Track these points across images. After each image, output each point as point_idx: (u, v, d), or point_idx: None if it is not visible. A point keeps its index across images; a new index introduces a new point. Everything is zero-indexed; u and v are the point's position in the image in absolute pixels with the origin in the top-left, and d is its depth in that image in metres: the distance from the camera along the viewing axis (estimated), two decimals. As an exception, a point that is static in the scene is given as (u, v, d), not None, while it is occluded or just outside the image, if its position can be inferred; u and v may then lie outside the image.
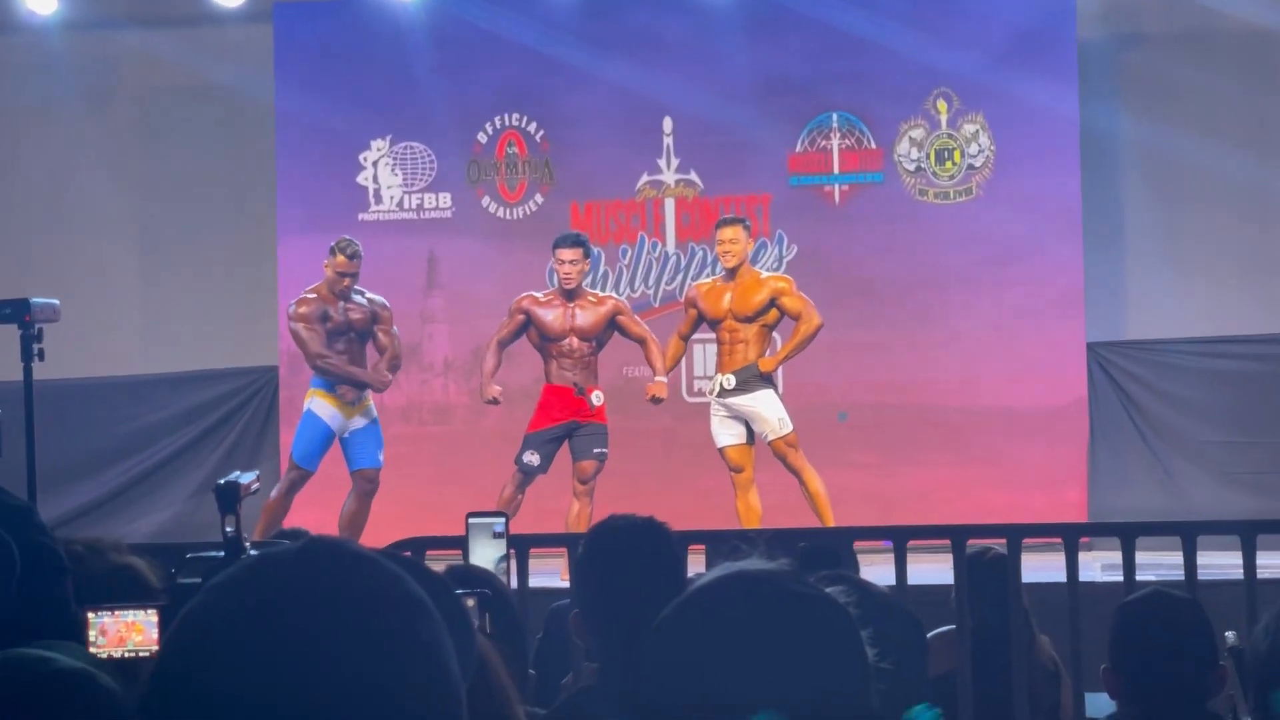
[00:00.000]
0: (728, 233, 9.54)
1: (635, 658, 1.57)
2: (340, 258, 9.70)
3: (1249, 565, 5.29)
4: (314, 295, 9.80)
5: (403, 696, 1.16)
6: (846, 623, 1.55)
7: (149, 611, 2.54)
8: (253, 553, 2.17)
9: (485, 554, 4.35)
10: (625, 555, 3.46)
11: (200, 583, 2.21)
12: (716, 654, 1.48)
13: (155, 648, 2.45)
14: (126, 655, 2.59)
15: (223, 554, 2.43)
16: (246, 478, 2.77)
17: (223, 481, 2.58)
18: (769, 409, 9.51)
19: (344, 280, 9.70)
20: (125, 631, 2.52)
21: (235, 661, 1.14)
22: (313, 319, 9.74)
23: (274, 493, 9.76)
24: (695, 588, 1.57)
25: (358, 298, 9.86)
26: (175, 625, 1.19)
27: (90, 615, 2.57)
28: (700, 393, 11.09)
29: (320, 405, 9.78)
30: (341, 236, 9.95)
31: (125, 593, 2.83)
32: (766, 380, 9.58)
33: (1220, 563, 6.36)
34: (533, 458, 9.58)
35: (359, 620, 1.17)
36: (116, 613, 2.57)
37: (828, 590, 1.61)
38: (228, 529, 2.52)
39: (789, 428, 9.49)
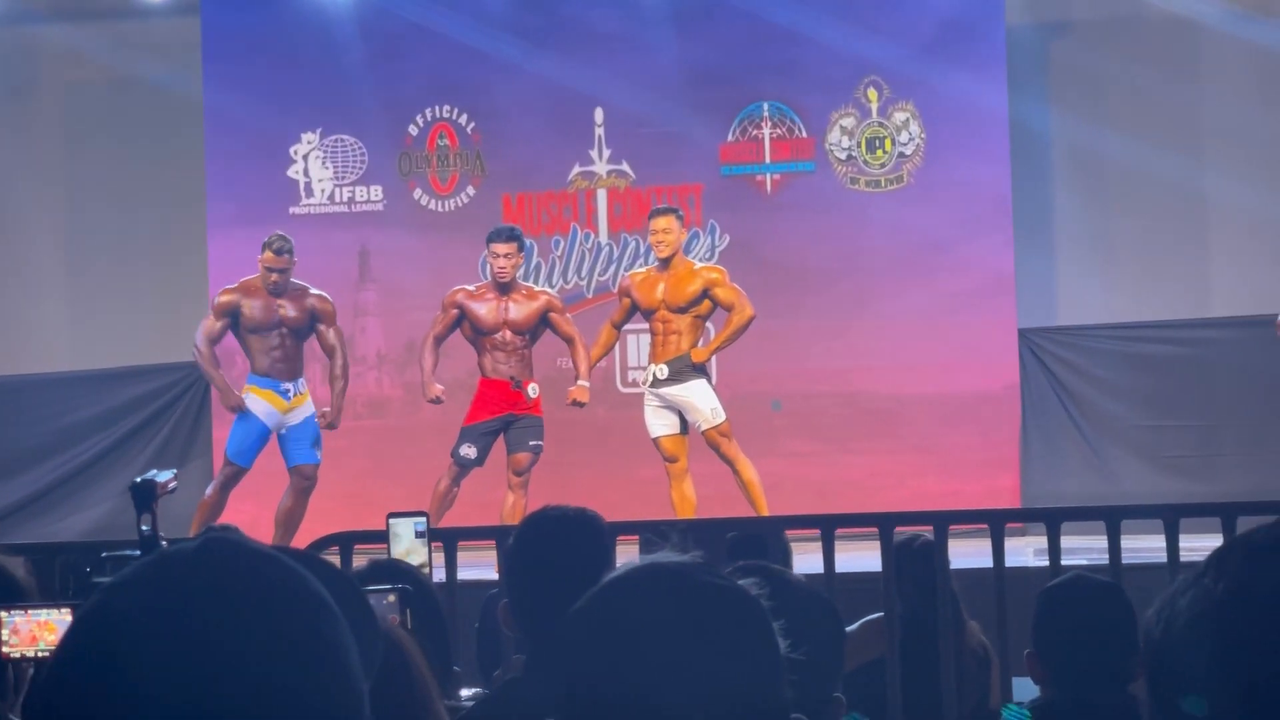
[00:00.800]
0: (661, 222, 9.53)
1: (550, 648, 1.58)
2: (267, 253, 9.65)
3: (1172, 548, 5.33)
4: (235, 287, 9.75)
5: (301, 693, 1.16)
6: (757, 614, 1.55)
7: (63, 611, 2.52)
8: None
9: (407, 552, 4.34)
10: (555, 546, 3.45)
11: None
12: (626, 645, 1.49)
13: None
14: (39, 654, 2.58)
15: (139, 552, 2.41)
16: (163, 476, 2.75)
17: (139, 479, 2.57)
18: (702, 399, 9.52)
19: (271, 276, 9.64)
20: (38, 631, 2.51)
21: (132, 660, 1.13)
22: (221, 310, 9.70)
23: (209, 490, 9.70)
24: (607, 580, 1.58)
25: (297, 294, 9.76)
26: (72, 624, 1.18)
27: (2, 615, 2.55)
28: (634, 383, 11.10)
29: (254, 401, 9.72)
30: (275, 232, 9.90)
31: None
32: (699, 370, 9.59)
33: (1148, 546, 6.41)
34: (469, 450, 9.56)
35: (256, 617, 1.16)
36: (29, 612, 2.55)
37: (742, 582, 1.62)
38: (144, 527, 2.50)
39: (722, 417, 9.50)
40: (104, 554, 2.56)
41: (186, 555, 1.19)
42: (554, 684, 1.52)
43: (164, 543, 2.35)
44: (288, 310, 9.72)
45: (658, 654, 1.47)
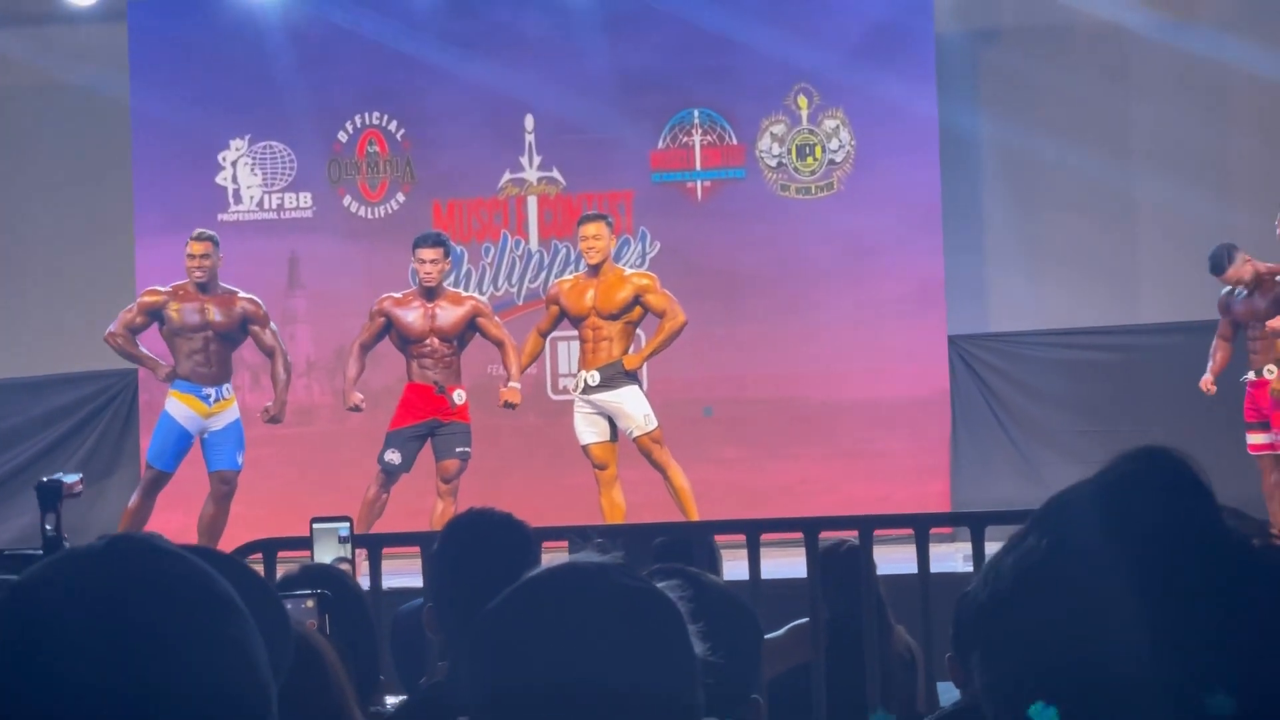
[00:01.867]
0: (591, 229, 9.52)
1: (465, 647, 1.57)
2: (189, 243, 9.63)
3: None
4: (164, 290, 9.71)
5: (206, 690, 1.16)
6: (672, 615, 1.55)
7: None
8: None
9: (330, 558, 4.32)
10: (480, 550, 3.44)
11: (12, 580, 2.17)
12: (539, 644, 1.48)
13: None
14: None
15: (40, 552, 2.38)
16: (70, 478, 2.73)
17: (44, 480, 2.54)
18: (634, 405, 9.52)
19: (193, 263, 9.58)
20: None
21: (37, 657, 1.14)
22: (144, 308, 9.68)
23: (133, 497, 9.64)
24: (523, 580, 1.57)
25: (227, 298, 9.71)
26: None
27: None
28: (565, 390, 11.09)
29: (175, 405, 9.67)
30: None
31: None
32: (631, 377, 9.58)
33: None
34: (394, 456, 9.52)
35: (163, 616, 1.16)
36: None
37: (661, 584, 1.61)
38: (47, 527, 2.47)
39: (654, 424, 9.50)
40: (4, 551, 2.53)
41: (93, 554, 1.19)
42: (468, 682, 1.52)
43: (67, 544, 2.32)
44: (214, 314, 9.66)
45: (570, 653, 1.47)
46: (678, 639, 1.54)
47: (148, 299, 9.69)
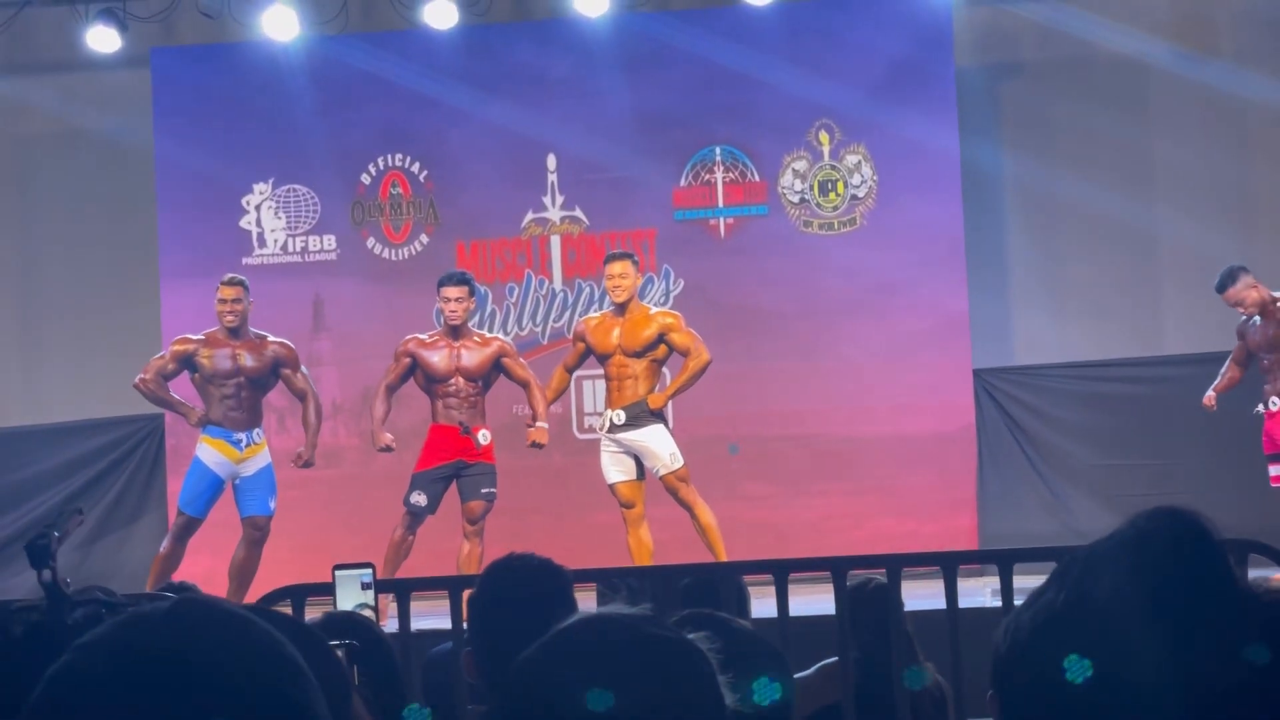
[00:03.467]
0: (617, 267, 9.53)
1: (497, 699, 1.58)
2: (221, 286, 9.65)
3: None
4: (196, 338, 9.71)
5: None
6: (703, 667, 1.55)
7: None
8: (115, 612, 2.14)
9: (352, 605, 4.32)
10: (520, 595, 3.46)
11: (20, 634, 2.17)
12: (569, 696, 1.48)
13: None
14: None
15: (45, 602, 2.38)
16: (59, 529, 2.72)
17: (34, 539, 2.53)
18: (660, 444, 9.51)
19: (225, 308, 9.60)
20: None
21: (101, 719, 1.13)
22: (176, 356, 9.67)
23: (165, 544, 9.64)
24: (553, 631, 1.57)
25: (258, 343, 9.74)
26: (42, 685, 1.17)
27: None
28: (590, 429, 11.09)
29: (206, 451, 9.68)
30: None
31: None
32: (657, 415, 9.57)
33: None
34: (420, 498, 9.52)
35: (227, 683, 1.16)
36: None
37: (691, 635, 1.62)
38: (45, 580, 2.46)
39: (680, 462, 9.48)
40: (15, 606, 2.52)
41: (157, 617, 1.18)
42: None
43: (67, 587, 2.32)
44: (246, 359, 9.68)
45: (599, 703, 1.46)
46: (708, 691, 1.54)
47: (179, 347, 9.70)
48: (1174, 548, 1.27)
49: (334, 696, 1.25)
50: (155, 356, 9.79)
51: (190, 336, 9.74)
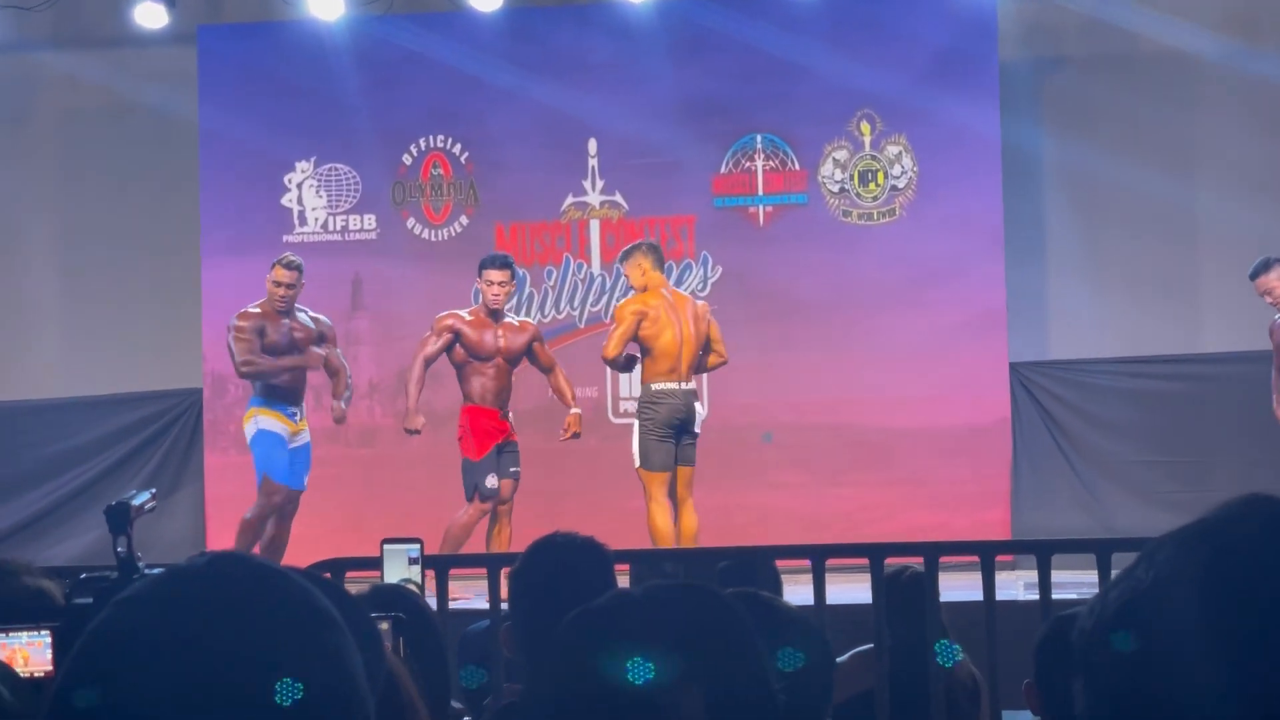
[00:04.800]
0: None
1: (541, 662, 1.60)
2: (277, 268, 9.67)
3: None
4: (256, 310, 9.69)
5: (310, 703, 1.17)
6: (746, 631, 1.57)
7: (42, 632, 2.51)
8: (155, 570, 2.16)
9: (398, 579, 4.34)
10: (562, 572, 3.49)
11: (93, 603, 2.19)
12: (617, 658, 1.50)
13: (49, 669, 2.42)
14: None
15: (115, 574, 2.41)
16: (140, 498, 2.75)
17: (114, 502, 2.56)
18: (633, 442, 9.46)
19: (280, 290, 9.63)
20: (12, 656, 2.49)
21: (143, 673, 1.15)
22: (247, 331, 9.63)
23: (270, 527, 9.59)
24: (602, 598, 1.59)
25: (302, 316, 9.80)
26: (83, 639, 1.19)
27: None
28: (625, 413, 11.10)
29: (268, 421, 9.66)
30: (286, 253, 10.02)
31: (37, 616, 2.80)
32: (640, 409, 9.49)
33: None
34: (494, 481, 9.53)
35: (266, 631, 1.18)
36: (10, 634, 2.53)
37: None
38: (119, 549, 2.49)
39: (638, 464, 9.40)
40: (83, 575, 2.55)
41: (195, 570, 1.20)
42: (543, 701, 1.53)
43: (141, 564, 2.34)
44: (298, 332, 9.73)
45: (650, 668, 1.48)
46: (751, 655, 1.55)
47: (244, 322, 9.63)
48: (1265, 533, 1.29)
49: (367, 654, 1.27)
50: (234, 338, 9.61)
51: (251, 310, 9.71)
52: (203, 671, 1.15)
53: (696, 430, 9.37)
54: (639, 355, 9.43)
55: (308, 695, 1.17)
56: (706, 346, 9.49)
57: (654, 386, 9.33)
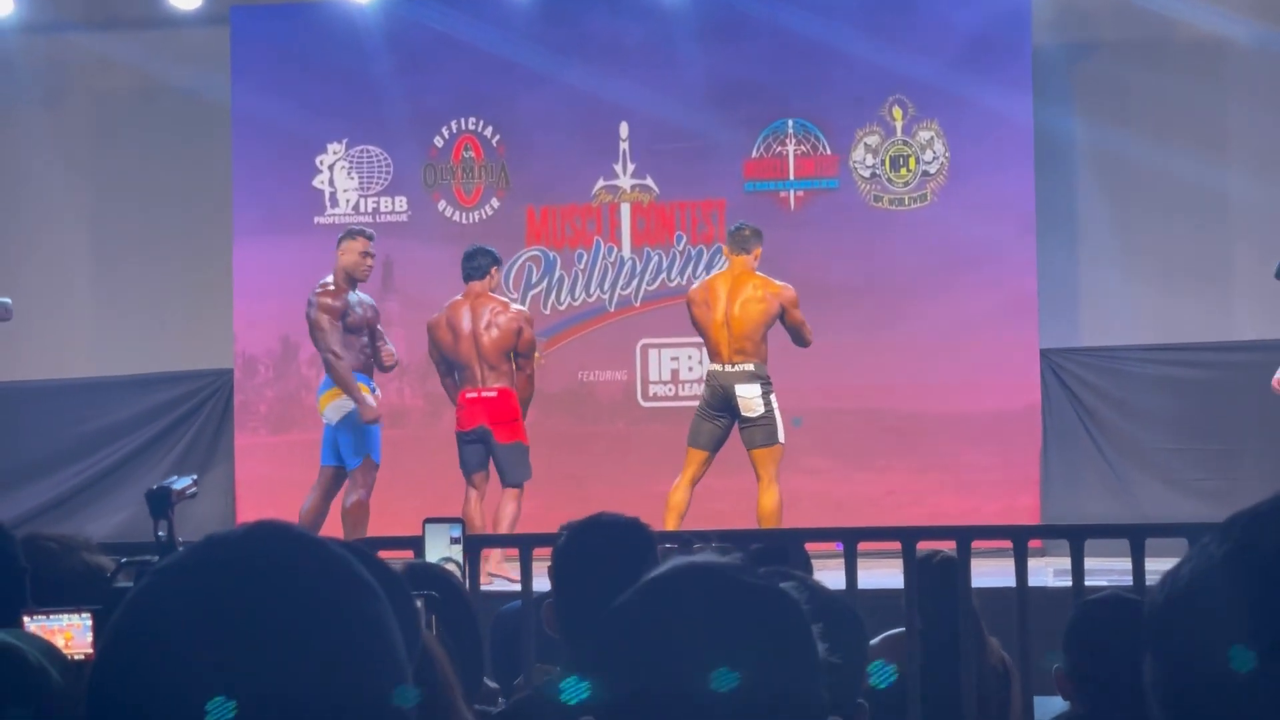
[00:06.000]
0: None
1: (589, 645, 1.59)
2: (359, 239, 9.61)
3: (1196, 569, 5.27)
4: (333, 288, 9.58)
5: (352, 671, 1.17)
6: (796, 614, 1.56)
7: (84, 614, 2.52)
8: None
9: (437, 558, 4.36)
10: (606, 551, 3.51)
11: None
12: (665, 642, 1.50)
13: (89, 651, 2.43)
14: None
15: (156, 559, 2.42)
16: (181, 483, 2.76)
17: (154, 487, 2.57)
18: None
19: (368, 261, 9.61)
20: (53, 637, 2.50)
21: (183, 641, 1.15)
22: (336, 312, 9.56)
23: (356, 495, 9.58)
24: (648, 578, 1.58)
25: (362, 294, 9.81)
26: (123, 607, 1.20)
27: (25, 619, 2.56)
28: (655, 397, 11.12)
29: (342, 402, 9.64)
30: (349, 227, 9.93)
31: (95, 593, 2.82)
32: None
33: (1168, 568, 6.38)
34: None
35: (305, 598, 1.18)
36: (51, 616, 2.55)
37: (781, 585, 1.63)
38: (160, 533, 2.50)
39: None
40: (124, 560, 2.57)
41: (234, 538, 1.21)
42: (593, 680, 1.53)
43: (180, 548, 2.35)
44: (368, 314, 9.76)
45: (697, 651, 1.48)
46: (803, 637, 1.55)
47: (333, 301, 9.54)
48: None
49: (404, 624, 1.28)
50: (327, 320, 9.50)
51: (329, 289, 9.66)
52: (242, 638, 1.15)
53: (745, 414, 9.36)
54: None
55: (347, 662, 1.17)
56: (798, 332, 9.50)
57: (705, 367, 9.45)
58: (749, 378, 9.35)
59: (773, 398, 9.40)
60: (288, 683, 1.15)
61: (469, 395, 9.59)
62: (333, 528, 9.44)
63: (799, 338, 9.55)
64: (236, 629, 1.15)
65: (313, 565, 1.21)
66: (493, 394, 9.57)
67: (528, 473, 9.54)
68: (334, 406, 9.63)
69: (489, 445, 9.55)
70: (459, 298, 9.77)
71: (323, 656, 1.17)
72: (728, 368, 9.36)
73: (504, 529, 9.18)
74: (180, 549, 1.25)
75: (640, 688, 1.49)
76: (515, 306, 9.89)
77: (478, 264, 9.75)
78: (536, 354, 9.81)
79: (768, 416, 9.36)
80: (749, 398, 9.33)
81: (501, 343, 9.58)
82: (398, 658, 1.22)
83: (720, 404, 9.36)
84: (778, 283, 9.52)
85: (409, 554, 4.85)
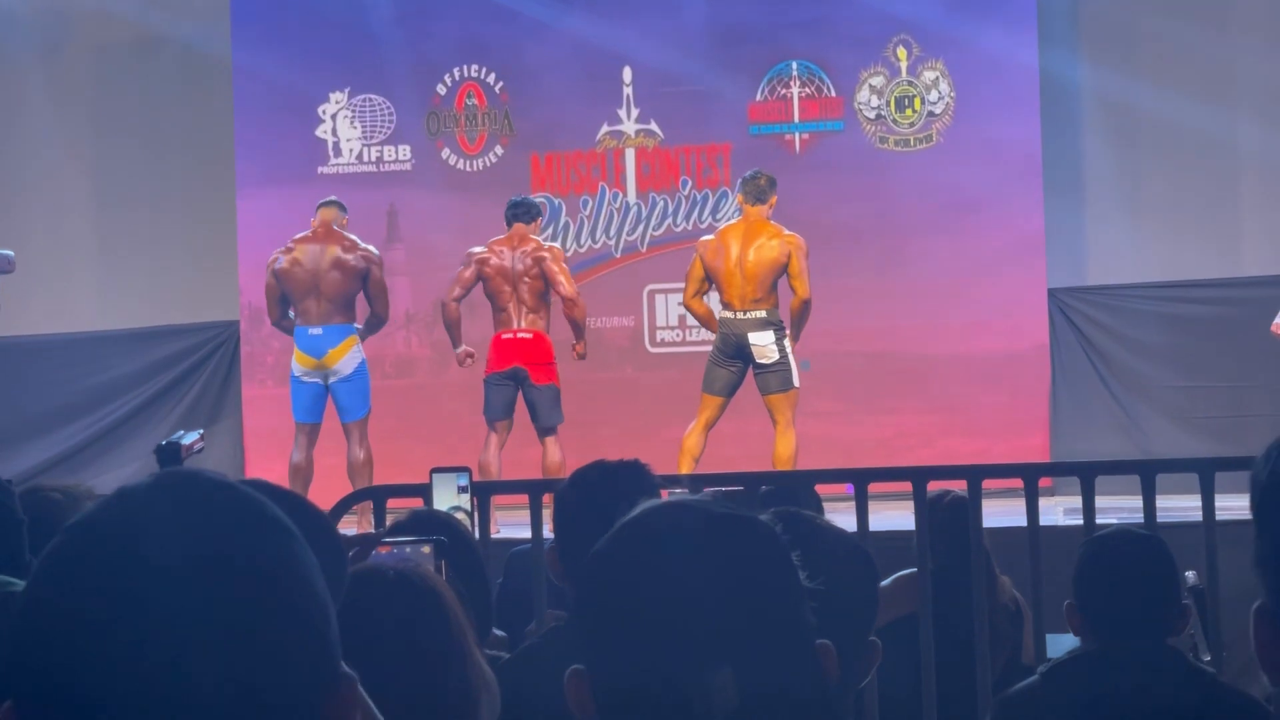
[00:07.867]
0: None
1: (576, 587, 1.61)
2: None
3: (1207, 504, 5.26)
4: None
5: (266, 611, 1.17)
6: (773, 539, 1.57)
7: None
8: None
9: (445, 507, 4.36)
10: (606, 493, 3.49)
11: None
12: (645, 578, 1.51)
13: None
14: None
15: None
16: (189, 438, 2.75)
17: (163, 442, 2.57)
18: None
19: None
20: None
21: (96, 596, 1.15)
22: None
23: (362, 451, 9.65)
24: (620, 522, 1.60)
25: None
26: (37, 566, 1.20)
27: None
28: (663, 343, 11.11)
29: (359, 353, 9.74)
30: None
31: None
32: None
33: (1179, 505, 6.37)
34: None
35: (216, 542, 1.18)
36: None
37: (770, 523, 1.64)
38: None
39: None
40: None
41: (142, 489, 1.21)
42: (580, 623, 1.54)
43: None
44: None
45: (675, 583, 1.50)
46: (781, 561, 1.56)
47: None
48: None
49: (326, 560, 1.27)
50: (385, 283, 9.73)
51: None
52: (154, 586, 1.15)
53: (759, 360, 9.30)
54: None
55: (264, 604, 1.17)
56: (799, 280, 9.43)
57: (718, 314, 9.36)
58: (762, 324, 9.28)
59: (787, 343, 9.35)
60: (204, 635, 1.14)
61: (505, 336, 9.52)
62: (324, 480, 9.45)
63: (800, 287, 9.39)
64: (149, 584, 1.15)
65: (223, 511, 1.20)
66: (529, 335, 9.49)
67: (560, 416, 9.49)
68: (349, 358, 9.64)
69: (524, 387, 9.48)
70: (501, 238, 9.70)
71: (240, 606, 1.16)
72: (740, 315, 9.29)
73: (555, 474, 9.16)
74: (91, 505, 1.25)
75: (623, 630, 1.50)
76: (548, 244, 9.87)
77: (529, 208, 9.69)
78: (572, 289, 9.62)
79: (783, 362, 9.31)
80: (763, 344, 9.28)
81: (536, 286, 9.52)
82: (317, 594, 1.22)
83: (734, 350, 9.31)
84: (790, 231, 9.46)
85: (418, 502, 4.84)
